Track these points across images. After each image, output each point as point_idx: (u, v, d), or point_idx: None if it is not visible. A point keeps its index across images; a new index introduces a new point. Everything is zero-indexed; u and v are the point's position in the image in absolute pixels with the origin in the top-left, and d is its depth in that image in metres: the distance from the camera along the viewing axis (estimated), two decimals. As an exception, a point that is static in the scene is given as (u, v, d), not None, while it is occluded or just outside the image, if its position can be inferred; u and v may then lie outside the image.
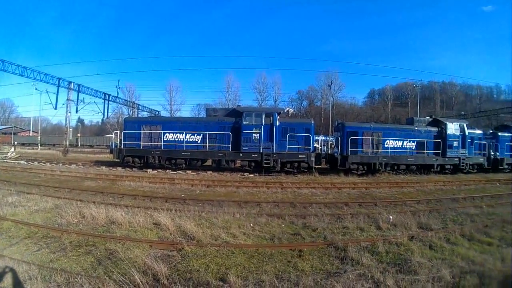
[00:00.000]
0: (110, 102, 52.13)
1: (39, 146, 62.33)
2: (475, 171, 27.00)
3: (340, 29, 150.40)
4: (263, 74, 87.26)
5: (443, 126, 26.03)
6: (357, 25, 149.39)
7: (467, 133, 26.38)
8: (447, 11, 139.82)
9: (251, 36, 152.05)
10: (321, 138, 41.46)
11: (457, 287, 5.37)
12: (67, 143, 43.57)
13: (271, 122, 22.19)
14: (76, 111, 45.69)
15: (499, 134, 30.38)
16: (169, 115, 70.93)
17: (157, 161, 22.77)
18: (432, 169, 24.93)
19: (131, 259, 6.28)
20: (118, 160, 23.44)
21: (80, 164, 25.45)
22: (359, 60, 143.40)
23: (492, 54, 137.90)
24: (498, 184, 21.39)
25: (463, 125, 26.74)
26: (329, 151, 28.15)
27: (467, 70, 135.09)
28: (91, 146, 68.09)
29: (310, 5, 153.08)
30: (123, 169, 22.64)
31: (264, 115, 22.28)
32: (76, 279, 5.44)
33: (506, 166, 28.97)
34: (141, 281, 5.25)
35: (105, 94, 50.33)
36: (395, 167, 24.22)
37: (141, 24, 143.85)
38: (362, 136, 24.04)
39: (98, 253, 6.71)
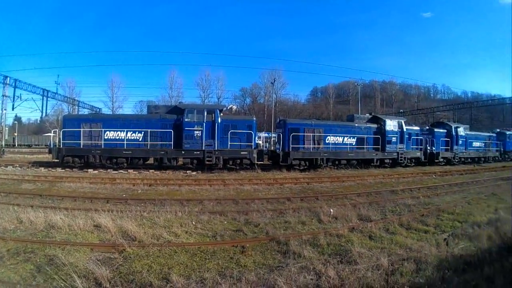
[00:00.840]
0: (49, 99, 48.70)
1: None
2: (412, 164, 29.11)
3: (285, 28, 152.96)
4: (207, 71, 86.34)
5: (382, 123, 27.45)
6: (301, 24, 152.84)
7: (405, 129, 28.20)
8: (389, 15, 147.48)
9: (195, 33, 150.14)
10: (263, 134, 41.69)
11: (395, 273, 5.49)
12: (3, 143, 40.28)
13: (213, 119, 22.01)
14: (13, 108, 42.16)
15: (435, 130, 33.23)
16: (111, 113, 68.01)
17: (98, 161, 21.78)
18: (372, 163, 26.30)
19: (72, 264, 5.95)
20: (58, 160, 22.12)
21: (17, 165, 23.55)
22: (303, 59, 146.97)
23: (430, 56, 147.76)
24: (434, 176, 23.08)
25: (401, 121, 28.62)
26: (272, 148, 28.51)
27: (407, 70, 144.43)
28: (29, 146, 63.48)
29: (254, 3, 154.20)
30: (63, 170, 21.37)
31: (206, 112, 22.06)
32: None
33: (441, 160, 31.71)
34: (83, 287, 5.03)
35: (43, 90, 47.08)
36: (337, 162, 25.01)
37: (82, 17, 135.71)
38: (304, 133, 24.48)
39: (38, 260, 6.29)
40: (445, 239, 5.81)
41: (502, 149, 41.06)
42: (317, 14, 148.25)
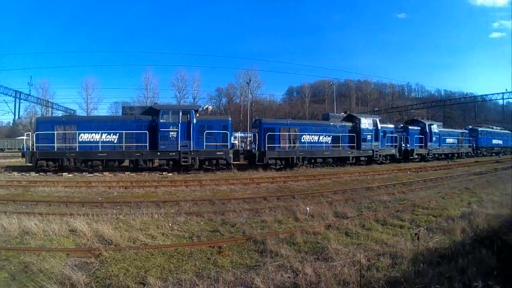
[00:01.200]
0: (22, 101, 47.87)
1: None
2: (388, 161, 29.86)
3: (260, 28, 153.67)
4: (182, 71, 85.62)
5: (357, 121, 28.00)
6: (276, 24, 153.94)
7: (379, 127, 28.87)
8: (365, 16, 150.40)
9: (170, 33, 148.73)
10: (239, 134, 41.67)
11: (372, 268, 5.55)
12: (-26, 147, 38.94)
13: (188, 119, 21.83)
14: (-17, 111, 41.05)
15: (409, 127, 34.30)
16: (86, 114, 66.56)
17: (72, 164, 21.27)
18: (348, 161, 26.78)
19: (48, 270, 5.83)
20: (31, 164, 21.48)
21: (-11, 171, 22.79)
22: (278, 59, 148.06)
23: (404, 56, 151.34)
24: (409, 172, 23.69)
25: (376, 120, 29.28)
26: (248, 147, 28.53)
27: (381, 70, 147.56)
28: (1, 150, 61.54)
29: (229, 3, 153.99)
30: (37, 174, 20.74)
31: (181, 113, 21.87)
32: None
33: (415, 156, 32.69)
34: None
35: (16, 91, 46.19)
36: (312, 161, 25.27)
37: (55, 16, 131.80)
38: (279, 132, 24.62)
39: (12, 267, 6.11)
40: (415, 233, 5.90)
41: (474, 145, 42.49)
42: (293, 15, 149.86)
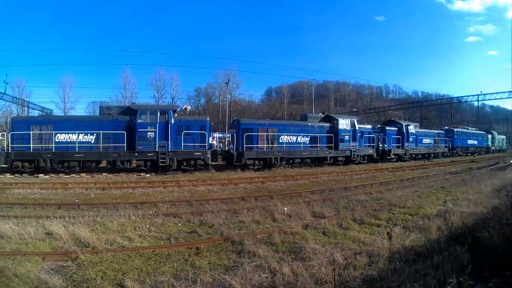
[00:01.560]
0: None
1: None
2: (365, 161, 30.38)
3: (239, 28, 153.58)
4: (161, 70, 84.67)
5: (335, 122, 28.33)
6: (256, 25, 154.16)
7: (357, 128, 29.31)
8: (344, 18, 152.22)
9: (149, 32, 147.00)
10: (217, 135, 41.64)
11: (349, 267, 5.59)
12: None
13: (166, 119, 21.68)
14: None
15: (387, 128, 34.94)
16: (63, 114, 65.03)
17: (49, 165, 20.77)
18: (326, 161, 27.06)
19: (23, 275, 5.68)
20: (6, 165, 20.92)
21: (-38, 173, 22.04)
22: (257, 59, 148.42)
23: (383, 58, 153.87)
24: (386, 172, 24.13)
25: (354, 120, 29.77)
26: (226, 148, 28.51)
27: (360, 71, 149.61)
28: None
29: (208, 3, 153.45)
30: (12, 176, 20.15)
31: (159, 113, 21.71)
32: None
33: (393, 156, 33.42)
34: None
35: None
36: (291, 161, 25.42)
37: (32, 14, 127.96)
38: (257, 132, 24.67)
39: None
40: (388, 232, 5.97)
41: (450, 145, 43.61)
42: (272, 15, 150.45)
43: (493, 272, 4.33)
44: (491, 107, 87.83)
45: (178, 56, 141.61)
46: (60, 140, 20.99)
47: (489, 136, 59.64)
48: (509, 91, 53.97)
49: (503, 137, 70.37)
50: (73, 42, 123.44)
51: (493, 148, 60.63)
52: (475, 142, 52.33)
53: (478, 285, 3.66)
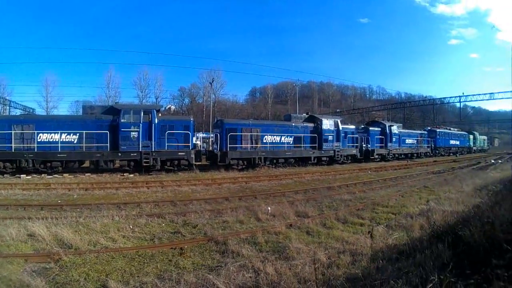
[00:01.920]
0: None
1: None
2: (349, 161, 30.70)
3: (224, 28, 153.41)
4: (145, 70, 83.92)
5: (319, 122, 28.52)
6: (241, 25, 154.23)
7: (341, 128, 29.53)
8: (329, 20, 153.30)
9: (133, 31, 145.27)
10: (201, 135, 41.51)
11: (332, 266, 5.61)
12: None
13: (150, 119, 21.53)
14: None
15: (370, 128, 35.42)
16: (45, 113, 63.85)
17: (31, 165, 20.35)
18: (310, 161, 27.25)
19: (5, 277, 5.59)
20: None
21: None
22: (242, 60, 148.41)
23: (366, 59, 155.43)
24: (369, 172, 24.39)
25: (337, 121, 30.04)
26: (210, 148, 28.45)
27: (344, 72, 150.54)
28: None
29: (193, 2, 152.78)
30: None
31: (142, 113, 21.54)
32: None
33: (376, 156, 33.87)
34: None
35: None
36: (274, 161, 25.51)
37: (14, 11, 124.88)
38: (241, 132, 24.67)
39: None
40: (368, 231, 6.02)
41: (433, 145, 44.29)
42: (257, 16, 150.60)
43: (474, 269, 4.38)
44: (473, 108, 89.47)
45: (162, 55, 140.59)
46: (43, 140, 20.59)
47: (471, 136, 60.86)
48: (490, 93, 55.15)
49: (485, 137, 71.89)
50: (57, 40, 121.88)
51: (474, 148, 61.85)
52: (457, 143, 53.33)
53: (459, 282, 3.68)
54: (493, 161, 33.46)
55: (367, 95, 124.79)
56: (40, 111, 65.53)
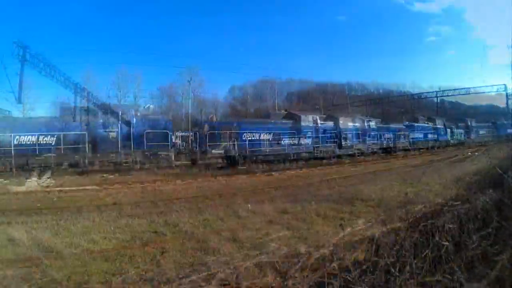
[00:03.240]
0: None
1: None
2: (328, 157, 30.30)
3: (202, 26, 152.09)
4: (123, 69, 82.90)
5: (297, 119, 28.77)
6: (219, 23, 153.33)
7: (320, 124, 29.46)
8: (307, 18, 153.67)
9: (111, 30, 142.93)
10: (180, 134, 41.22)
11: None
12: None
13: (128, 119, 21.47)
14: None
15: (349, 124, 34.94)
16: (22, 115, 62.46)
17: (8, 169, 19.88)
18: (289, 158, 27.17)
19: None
20: None
21: None
22: (221, 58, 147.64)
23: (345, 56, 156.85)
24: (349, 166, 24.51)
25: (316, 117, 30.34)
26: (189, 147, 28.44)
27: (323, 69, 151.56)
28: None
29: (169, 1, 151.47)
30: None
31: (121, 113, 21.34)
32: None
33: (356, 151, 34.03)
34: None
35: None
36: (254, 158, 25.60)
37: None
38: (221, 130, 24.71)
39: None
40: (340, 224, 6.10)
41: (411, 139, 44.82)
42: (234, 13, 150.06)
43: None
44: (450, 103, 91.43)
45: (141, 55, 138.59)
46: (20, 143, 20.22)
47: (448, 130, 62.06)
48: (466, 88, 56.62)
49: (462, 131, 73.44)
50: (32, 39, 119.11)
51: (452, 141, 63.10)
52: (435, 136, 54.25)
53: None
54: (469, 153, 34.22)
55: (346, 92, 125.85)
56: (16, 113, 64.08)
